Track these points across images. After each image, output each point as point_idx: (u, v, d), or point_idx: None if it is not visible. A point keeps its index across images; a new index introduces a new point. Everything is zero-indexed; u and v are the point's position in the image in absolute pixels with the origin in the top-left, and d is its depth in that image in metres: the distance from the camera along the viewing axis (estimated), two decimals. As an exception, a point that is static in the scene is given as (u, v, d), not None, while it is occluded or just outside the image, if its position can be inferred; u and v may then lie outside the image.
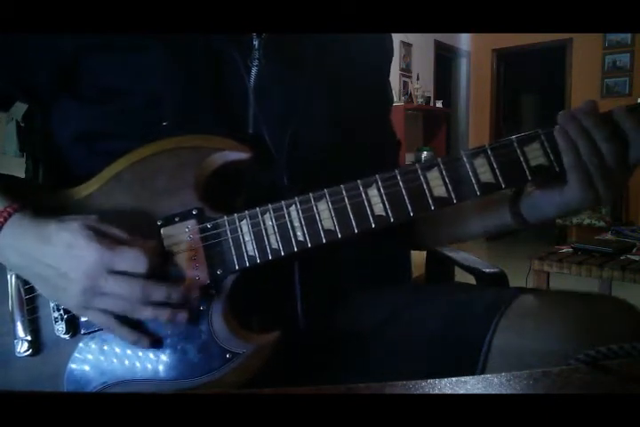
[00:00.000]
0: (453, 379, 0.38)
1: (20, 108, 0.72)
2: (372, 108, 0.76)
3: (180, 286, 0.54)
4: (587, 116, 0.50)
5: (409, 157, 4.73)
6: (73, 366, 0.56)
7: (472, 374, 0.54)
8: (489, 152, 0.52)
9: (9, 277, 0.59)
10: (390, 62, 0.80)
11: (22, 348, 0.57)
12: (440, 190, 0.52)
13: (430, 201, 0.52)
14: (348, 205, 0.53)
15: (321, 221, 0.53)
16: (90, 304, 0.52)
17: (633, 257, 2.27)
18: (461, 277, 0.90)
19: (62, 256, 0.51)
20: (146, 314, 0.52)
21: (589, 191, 0.52)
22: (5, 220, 0.53)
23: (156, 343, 0.55)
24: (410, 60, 5.03)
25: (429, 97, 5.20)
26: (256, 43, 0.62)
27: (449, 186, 0.52)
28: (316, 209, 0.54)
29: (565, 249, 2.46)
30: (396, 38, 4.49)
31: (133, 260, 0.51)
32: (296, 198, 0.54)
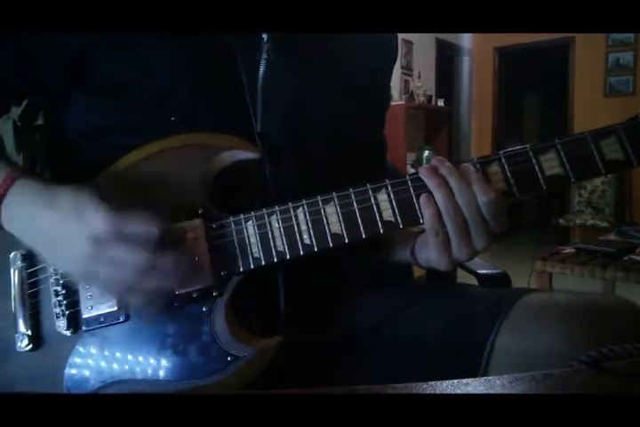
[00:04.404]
0: (455, 381, 0.38)
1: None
2: (374, 108, 0.76)
3: (187, 257, 0.52)
4: (444, 167, 0.51)
5: (410, 156, 4.71)
6: (72, 363, 0.56)
7: (475, 374, 0.54)
8: (503, 160, 0.51)
9: (12, 271, 0.59)
10: (393, 65, 0.80)
11: (23, 343, 0.57)
12: None
13: None
14: (357, 210, 0.52)
15: (328, 224, 0.52)
16: (92, 270, 0.49)
17: (636, 258, 2.26)
18: (463, 278, 0.90)
19: (68, 218, 0.49)
20: (151, 284, 0.50)
21: (444, 254, 0.52)
22: (10, 185, 0.52)
23: (157, 315, 0.54)
24: (411, 58, 5.01)
25: (431, 95, 5.18)
26: (265, 36, 0.60)
27: None
28: (324, 212, 0.53)
29: (568, 249, 2.45)
30: (398, 36, 4.43)
31: (144, 226, 0.48)
32: (304, 201, 0.53)
